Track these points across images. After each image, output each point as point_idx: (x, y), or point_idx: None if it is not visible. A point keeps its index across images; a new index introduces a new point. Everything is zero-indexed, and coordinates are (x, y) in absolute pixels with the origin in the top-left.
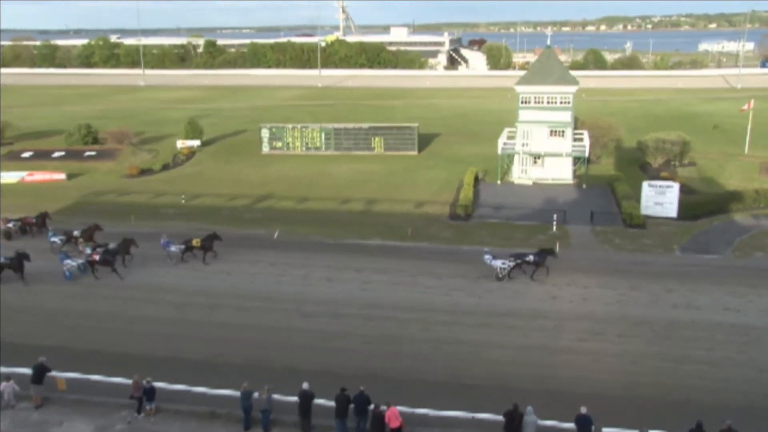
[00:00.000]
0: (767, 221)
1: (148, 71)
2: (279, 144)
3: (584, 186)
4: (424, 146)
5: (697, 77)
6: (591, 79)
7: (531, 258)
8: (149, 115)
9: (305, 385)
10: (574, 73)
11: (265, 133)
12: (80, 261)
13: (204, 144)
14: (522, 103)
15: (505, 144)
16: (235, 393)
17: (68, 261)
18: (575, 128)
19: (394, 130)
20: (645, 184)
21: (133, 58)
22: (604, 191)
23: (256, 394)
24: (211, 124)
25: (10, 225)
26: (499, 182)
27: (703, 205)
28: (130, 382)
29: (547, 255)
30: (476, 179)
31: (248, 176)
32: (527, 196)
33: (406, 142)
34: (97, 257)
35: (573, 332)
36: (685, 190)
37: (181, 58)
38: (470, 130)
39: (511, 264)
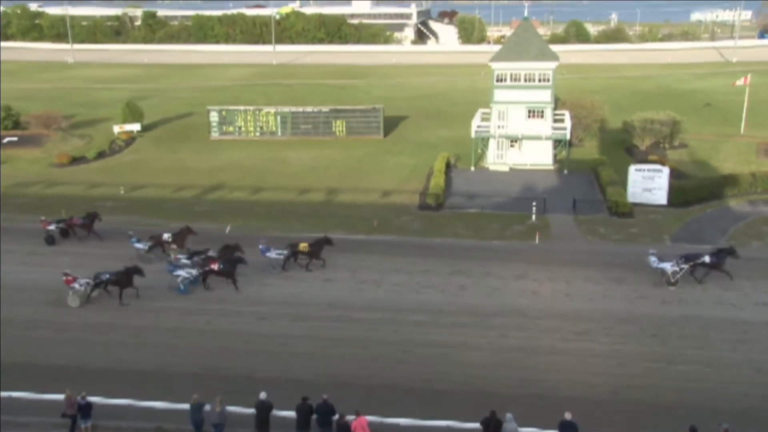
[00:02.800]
0: (765, 207)
1: (77, 46)
2: (230, 128)
3: (566, 171)
4: (390, 130)
5: (689, 50)
6: (573, 54)
7: (707, 259)
8: (80, 96)
9: (262, 395)
10: (554, 47)
11: (214, 117)
12: (193, 271)
13: (145, 129)
14: (497, 81)
15: (479, 126)
16: (185, 406)
17: (180, 272)
18: (555, 108)
19: (357, 112)
20: (632, 169)
21: (58, 30)
22: (588, 177)
23: (207, 407)
24: (153, 106)
25: (52, 227)
26: (472, 168)
27: (695, 190)
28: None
29: (727, 255)
30: (448, 165)
31: (196, 164)
32: (504, 183)
33: (370, 126)
34: (215, 266)
35: (555, 331)
36: (675, 175)
37: (116, 31)
38: (441, 112)
39: (684, 267)
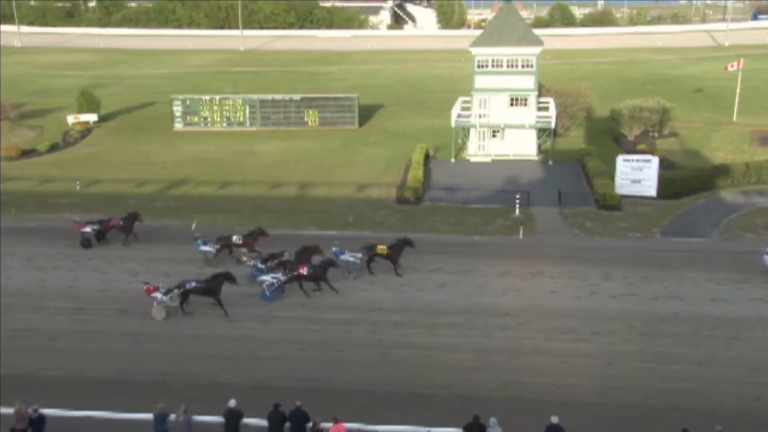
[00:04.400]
0: (759, 198)
1: (25, 29)
2: (195, 119)
3: (551, 162)
4: (365, 119)
5: (679, 34)
6: (557, 38)
7: None
8: (30, 84)
9: (232, 403)
10: (537, 31)
11: (177, 106)
12: (280, 277)
13: (102, 119)
14: (478, 67)
15: (459, 116)
16: (148, 416)
17: (266, 277)
18: (540, 96)
19: (331, 101)
20: (620, 159)
21: (3, 11)
22: (574, 168)
23: (172, 417)
24: (111, 95)
25: (88, 230)
26: (452, 160)
27: (685, 181)
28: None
29: None
30: (426, 157)
31: (158, 157)
32: (485, 175)
33: (344, 115)
34: (304, 270)
35: (540, 331)
36: (665, 165)
37: (68, 13)
38: (419, 100)
39: None
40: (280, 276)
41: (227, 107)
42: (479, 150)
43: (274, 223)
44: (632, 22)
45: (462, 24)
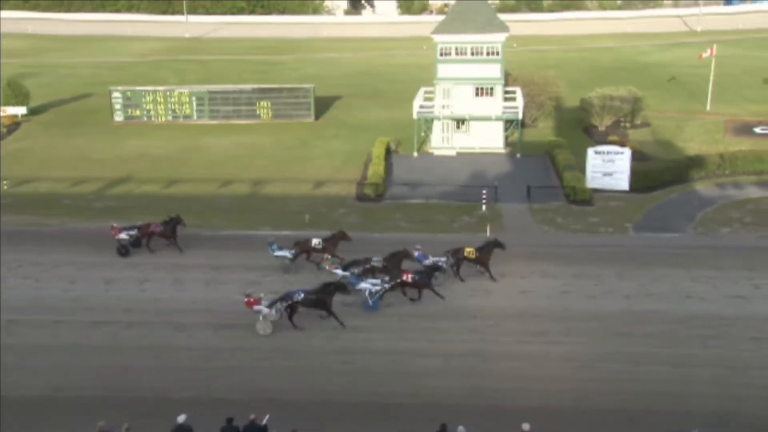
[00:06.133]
0: (734, 191)
1: None
2: (137, 112)
3: (518, 155)
4: (322, 112)
5: (651, 19)
6: (524, 24)
7: None
8: None
9: (181, 418)
10: (503, 17)
11: (117, 98)
12: (379, 284)
13: (33, 112)
14: (441, 55)
15: (421, 107)
16: None
17: (364, 285)
18: (506, 85)
19: (285, 92)
20: (590, 151)
21: None
22: (543, 161)
23: None
24: (42, 85)
25: (124, 236)
26: (415, 154)
27: (659, 173)
28: None
29: None
30: (388, 151)
31: (97, 154)
32: (450, 169)
33: (300, 108)
34: (408, 277)
35: (510, 333)
36: (637, 157)
37: None
38: (379, 91)
39: None
40: (380, 283)
41: (172, 99)
42: (443, 143)
43: (226, 224)
44: (602, 7)
45: (424, 9)
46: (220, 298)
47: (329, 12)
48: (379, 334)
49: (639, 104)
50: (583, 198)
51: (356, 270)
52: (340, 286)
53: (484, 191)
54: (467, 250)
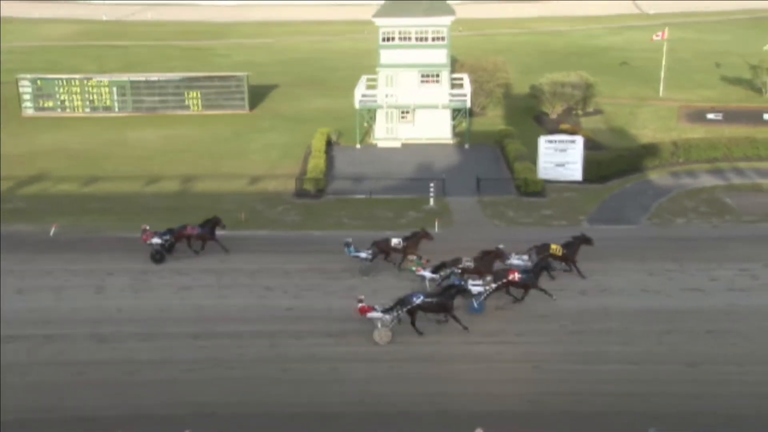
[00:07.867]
0: (688, 179)
1: None
2: (49, 103)
3: (467, 146)
4: (257, 102)
5: (603, 1)
6: (471, 7)
7: None
8: None
9: None
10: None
11: (26, 87)
12: (480, 285)
13: None
14: (384, 40)
15: (363, 96)
16: None
17: (478, 288)
18: (453, 72)
19: (216, 81)
20: (542, 140)
21: None
22: (492, 151)
23: None
24: None
25: (157, 240)
26: (358, 146)
27: (612, 163)
28: None
29: None
30: (328, 143)
31: (4, 149)
32: (395, 162)
33: (232, 98)
34: (514, 276)
35: (460, 334)
36: (590, 146)
37: None
38: (318, 79)
39: None
40: (483, 284)
41: (90, 89)
42: (387, 134)
43: (155, 224)
44: None
45: None
46: (148, 304)
47: None
48: (322, 339)
49: (591, 90)
50: (535, 190)
51: (452, 271)
52: (462, 289)
53: (432, 184)
54: (553, 247)
